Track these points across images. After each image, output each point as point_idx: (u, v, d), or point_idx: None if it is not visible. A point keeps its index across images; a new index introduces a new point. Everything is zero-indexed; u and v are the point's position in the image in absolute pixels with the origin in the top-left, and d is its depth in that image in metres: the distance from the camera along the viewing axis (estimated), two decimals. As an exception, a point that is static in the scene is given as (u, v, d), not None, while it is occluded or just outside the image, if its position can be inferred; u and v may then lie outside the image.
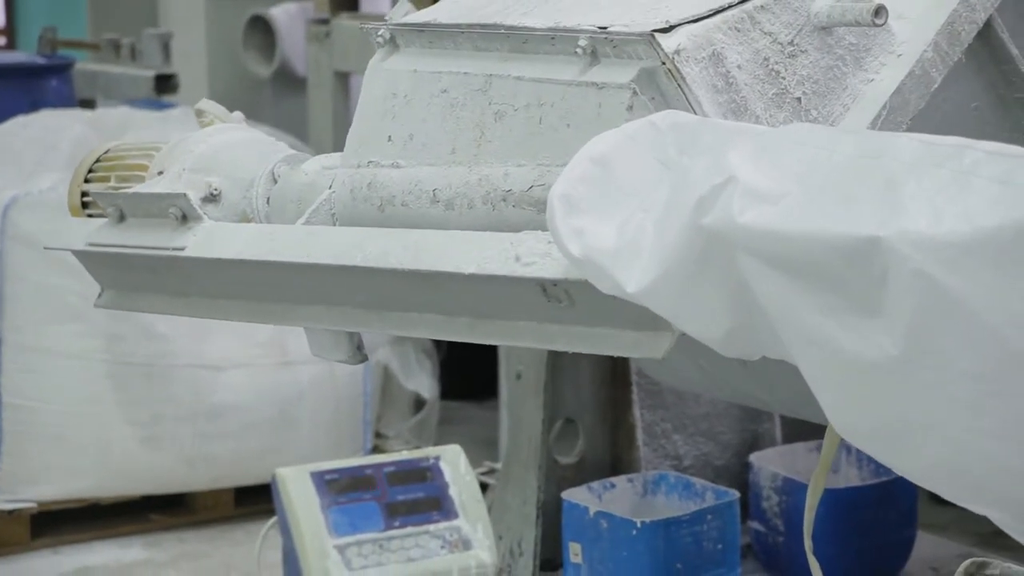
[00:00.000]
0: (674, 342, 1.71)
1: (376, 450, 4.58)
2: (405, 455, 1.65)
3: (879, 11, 1.89)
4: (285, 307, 2.10)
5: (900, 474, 1.49)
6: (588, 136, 1.82)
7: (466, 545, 1.62)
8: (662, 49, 1.80)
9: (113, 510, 4.49)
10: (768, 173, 1.50)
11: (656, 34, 1.82)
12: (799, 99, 1.92)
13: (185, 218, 2.17)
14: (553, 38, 1.92)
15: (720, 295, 1.54)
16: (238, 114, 2.52)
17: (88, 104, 6.25)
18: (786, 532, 3.65)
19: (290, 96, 6.40)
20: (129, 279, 2.31)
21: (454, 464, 1.68)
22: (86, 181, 2.43)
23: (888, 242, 1.37)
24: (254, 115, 5.93)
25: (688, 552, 3.31)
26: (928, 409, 1.39)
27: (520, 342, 1.88)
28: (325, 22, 5.79)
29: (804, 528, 1.74)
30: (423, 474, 1.67)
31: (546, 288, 1.76)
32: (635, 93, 1.83)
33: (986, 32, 2.07)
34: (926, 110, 2.00)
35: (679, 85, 1.81)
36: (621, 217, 1.62)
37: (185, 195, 2.16)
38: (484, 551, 1.63)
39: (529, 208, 1.93)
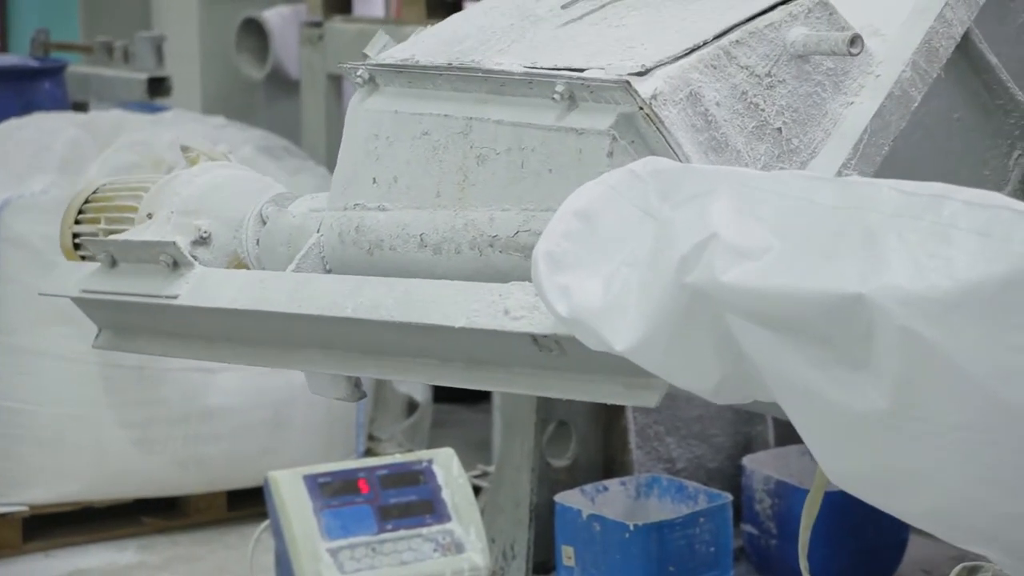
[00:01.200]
0: (666, 391, 1.72)
1: (369, 453, 4.57)
2: (398, 458, 1.65)
3: (854, 41, 1.88)
4: (281, 351, 2.11)
5: (896, 517, 1.50)
6: (570, 181, 1.84)
7: (459, 548, 1.62)
8: (639, 95, 1.80)
9: (106, 513, 4.49)
10: (749, 228, 1.50)
11: (633, 79, 1.81)
12: (779, 129, 1.92)
13: (176, 264, 2.18)
14: (530, 82, 1.92)
15: (708, 349, 1.55)
16: (223, 147, 2.53)
17: (81, 107, 6.24)
18: (779, 535, 3.65)
19: (283, 99, 6.39)
20: (125, 321, 2.33)
21: (447, 467, 1.68)
22: (76, 222, 2.44)
23: (871, 299, 1.38)
24: (247, 118, 5.94)
25: (681, 555, 3.31)
26: (918, 459, 1.40)
27: (515, 389, 1.90)
28: (318, 25, 5.78)
29: (800, 548, 1.75)
30: (416, 477, 1.67)
31: (537, 339, 1.76)
32: (615, 139, 1.83)
33: (964, 44, 2.06)
34: (908, 127, 2.00)
35: (658, 129, 1.81)
36: (606, 271, 1.62)
37: (175, 243, 2.17)
38: (477, 554, 1.62)
39: (516, 254, 1.93)
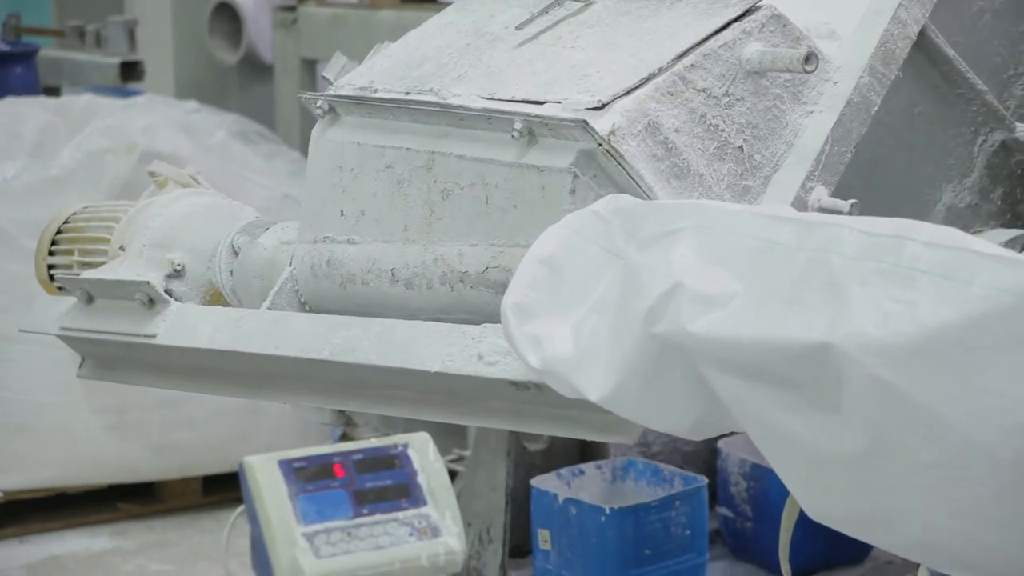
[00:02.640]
0: (643, 429, 1.73)
1: (345, 438, 4.56)
2: (373, 443, 1.65)
3: (809, 58, 1.88)
4: (263, 385, 2.13)
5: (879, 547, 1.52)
6: (536, 217, 1.86)
7: (435, 532, 1.62)
8: (597, 133, 1.80)
9: (80, 499, 4.48)
10: (713, 274, 1.51)
11: (590, 116, 1.81)
12: (741, 147, 1.92)
13: (152, 302, 2.19)
14: (489, 118, 1.92)
15: (681, 395, 1.56)
16: (190, 168, 2.54)
17: (53, 91, 6.21)
18: (754, 518, 3.66)
19: (257, 83, 6.37)
20: (107, 354, 2.34)
21: (422, 452, 1.68)
22: (50, 254, 2.46)
23: (838, 347, 1.39)
24: (220, 103, 5.92)
25: (657, 538, 3.32)
26: (896, 497, 1.41)
27: (494, 424, 1.91)
28: (292, 9, 5.76)
29: (780, 551, 1.76)
30: (391, 462, 1.67)
31: (514, 382, 1.77)
32: (576, 176, 1.84)
33: (921, 40, 2.06)
34: (869, 128, 2.00)
35: (619, 163, 1.80)
36: (576, 318, 1.63)
37: (148, 283, 2.19)
38: (453, 538, 1.62)
39: (487, 290, 1.94)
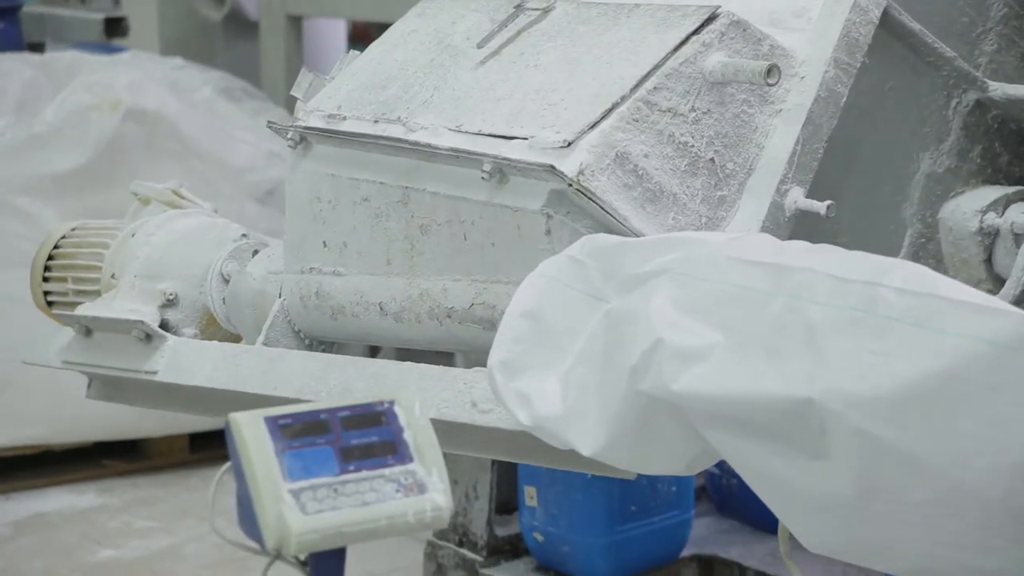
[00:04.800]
0: None
1: (331, 395, 4.57)
2: (360, 400, 1.65)
3: (771, 71, 1.87)
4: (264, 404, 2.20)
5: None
6: (514, 254, 1.88)
7: (421, 489, 1.62)
8: (565, 176, 1.80)
9: (66, 456, 4.48)
10: (691, 326, 1.53)
11: (558, 156, 1.81)
12: (712, 159, 1.92)
13: (149, 337, 2.26)
14: (457, 157, 1.93)
15: (672, 442, 1.59)
16: (171, 182, 2.62)
17: (37, 48, 6.17)
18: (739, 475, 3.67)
19: (242, 40, 6.34)
20: (112, 380, 2.42)
21: (409, 409, 1.68)
22: (45, 280, 2.59)
23: (820, 402, 1.42)
24: (205, 59, 5.88)
25: (642, 494, 3.33)
26: (887, 532, 1.44)
27: (498, 456, 1.95)
28: (277, -36, 5.74)
29: (779, 537, 1.78)
30: (378, 419, 1.66)
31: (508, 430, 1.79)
32: (549, 217, 1.85)
33: (885, 19, 2.05)
34: (841, 117, 1.98)
35: (590, 199, 1.81)
36: (562, 369, 1.66)
37: (143, 321, 2.27)
38: (439, 495, 1.63)
39: (474, 325, 1.97)
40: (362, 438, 1.60)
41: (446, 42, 2.14)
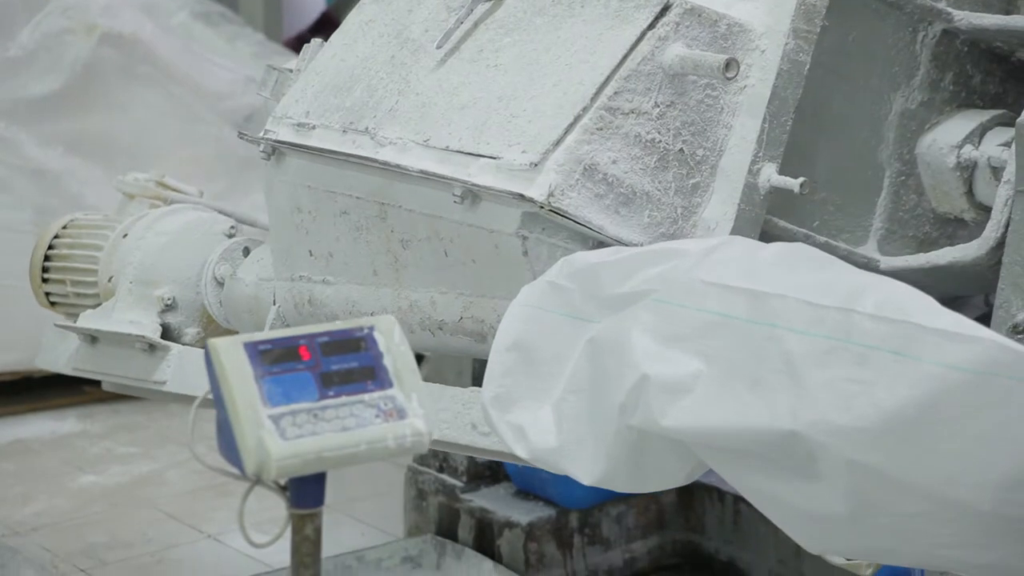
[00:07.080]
0: None
1: (310, 321, 4.57)
2: (339, 325, 1.65)
3: (729, 65, 1.86)
4: None
5: None
6: (495, 270, 1.91)
7: (401, 414, 1.63)
8: (536, 200, 1.82)
9: (46, 383, 4.48)
10: (673, 357, 1.56)
11: (526, 179, 1.83)
12: (681, 149, 1.92)
13: (152, 347, 2.33)
14: (427, 179, 1.95)
15: (668, 461, 1.64)
16: (153, 172, 2.71)
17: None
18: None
19: (218, -37, 6.27)
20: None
21: (388, 334, 1.68)
22: (44, 280, 2.70)
23: (806, 434, 1.46)
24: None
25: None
26: (885, 540, 1.49)
27: (503, 458, 1.97)
28: None
29: None
30: (357, 344, 1.67)
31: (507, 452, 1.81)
32: (525, 238, 1.87)
33: None
34: (808, 80, 1.96)
35: (563, 216, 1.83)
36: (554, 398, 1.70)
37: (143, 336, 2.35)
38: (419, 420, 1.64)
39: (465, 337, 2.01)
40: (342, 363, 1.61)
41: (405, 35, 2.14)
